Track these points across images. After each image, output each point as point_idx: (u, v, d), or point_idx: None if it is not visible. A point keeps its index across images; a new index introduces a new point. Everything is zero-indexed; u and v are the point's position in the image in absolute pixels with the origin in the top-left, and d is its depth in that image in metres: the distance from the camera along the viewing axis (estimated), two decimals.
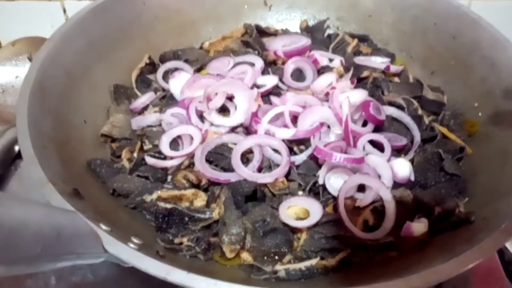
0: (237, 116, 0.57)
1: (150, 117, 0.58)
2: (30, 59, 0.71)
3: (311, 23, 0.78)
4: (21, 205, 0.31)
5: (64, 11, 0.94)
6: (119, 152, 0.57)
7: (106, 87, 0.64)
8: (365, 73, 0.65)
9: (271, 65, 0.67)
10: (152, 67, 0.68)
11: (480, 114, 0.60)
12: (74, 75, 0.58)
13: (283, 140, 0.54)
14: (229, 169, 0.53)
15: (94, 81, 0.62)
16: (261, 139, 0.54)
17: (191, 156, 0.54)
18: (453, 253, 0.42)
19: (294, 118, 0.57)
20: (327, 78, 0.62)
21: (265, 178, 0.51)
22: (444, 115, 0.62)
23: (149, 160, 0.54)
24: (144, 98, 0.63)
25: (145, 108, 0.62)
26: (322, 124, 0.55)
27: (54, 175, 0.44)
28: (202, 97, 0.58)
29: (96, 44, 0.63)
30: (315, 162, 0.54)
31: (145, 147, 0.58)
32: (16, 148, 0.65)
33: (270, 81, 0.62)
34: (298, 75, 0.65)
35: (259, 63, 0.64)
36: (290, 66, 0.64)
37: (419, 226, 0.49)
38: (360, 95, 0.58)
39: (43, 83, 0.53)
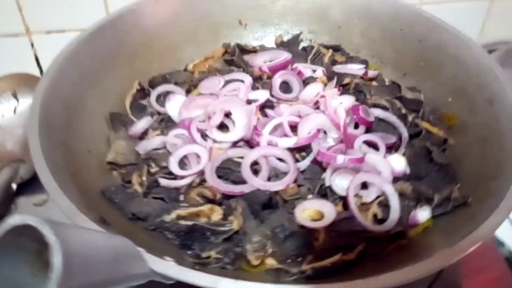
0: (237, 131, 0.60)
1: (155, 141, 0.60)
2: (14, 95, 0.70)
3: (285, 38, 0.82)
4: (86, 232, 0.32)
5: (32, 45, 0.93)
6: (128, 177, 0.58)
7: (103, 116, 0.64)
8: (346, 80, 0.69)
9: (258, 80, 0.70)
10: (142, 92, 0.69)
11: (455, 107, 0.67)
12: (72, 106, 0.59)
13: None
14: (240, 181, 0.55)
15: (90, 111, 0.62)
16: (266, 150, 0.57)
17: (201, 173, 0.56)
18: (457, 235, 0.47)
19: (290, 128, 0.60)
20: (315, 88, 0.66)
21: (277, 186, 0.54)
22: (423, 111, 0.67)
23: (163, 181, 0.55)
24: (142, 123, 0.64)
25: (144, 132, 0.63)
26: (319, 130, 0.59)
27: (79, 205, 0.45)
28: (201, 117, 0.61)
29: (87, 75, 0.63)
30: (319, 166, 0.57)
31: (152, 170, 0.59)
32: (14, 186, 0.64)
33: (262, 95, 0.65)
34: (285, 87, 0.69)
35: (248, 79, 0.67)
36: (277, 80, 0.68)
37: (423, 214, 0.54)
38: (348, 100, 0.63)
39: (47, 118, 0.53)
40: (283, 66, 0.71)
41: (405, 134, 0.62)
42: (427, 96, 0.70)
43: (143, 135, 0.64)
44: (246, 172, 0.54)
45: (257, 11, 0.81)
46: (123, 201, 0.54)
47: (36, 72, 0.97)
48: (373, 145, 0.60)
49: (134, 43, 0.72)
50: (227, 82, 0.67)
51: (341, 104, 0.58)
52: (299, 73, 0.69)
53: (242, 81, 0.67)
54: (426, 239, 0.52)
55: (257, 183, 0.54)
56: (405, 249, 0.52)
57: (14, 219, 0.30)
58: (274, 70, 0.70)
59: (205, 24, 0.79)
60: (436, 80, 0.71)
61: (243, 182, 0.55)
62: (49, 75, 0.58)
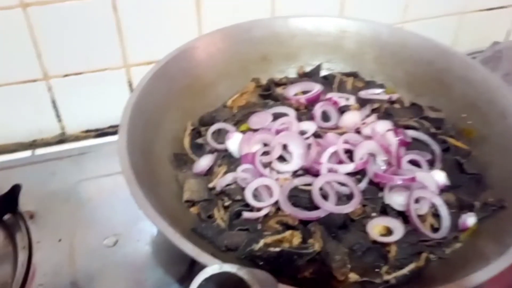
0: (296, 161, 0.67)
1: (228, 177, 0.65)
2: None
3: (306, 68, 0.90)
4: (258, 272, 0.38)
5: (49, 88, 0.96)
6: (206, 213, 0.64)
7: (167, 158, 0.70)
8: (376, 105, 0.78)
9: (296, 111, 0.78)
10: (196, 132, 0.75)
11: (470, 122, 0.77)
12: (145, 153, 0.64)
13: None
14: (311, 207, 0.62)
15: (158, 155, 0.68)
16: (331, 177, 0.64)
17: (274, 203, 0.63)
18: (503, 234, 0.57)
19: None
20: (353, 116, 0.74)
21: (348, 208, 0.61)
22: (446, 127, 0.77)
23: (246, 214, 0.61)
24: (206, 161, 0.70)
25: (210, 169, 0.69)
26: (371, 155, 0.67)
27: (194, 244, 0.50)
28: (261, 151, 0.67)
29: (151, 121, 0.69)
30: (375, 186, 0.65)
31: (225, 204, 0.64)
32: None
33: (310, 126, 0.72)
34: (323, 116, 0.77)
35: (292, 112, 0.75)
36: (318, 111, 0.75)
37: (470, 219, 0.63)
38: (386, 124, 0.72)
39: (135, 170, 0.58)
40: (318, 97, 0.79)
41: (437, 150, 0.71)
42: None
43: (208, 172, 0.69)
44: (317, 198, 0.62)
45: (278, 46, 0.89)
46: (214, 235, 0.60)
47: (52, 115, 0.99)
48: (415, 163, 0.69)
49: (180, 86, 0.77)
50: (275, 116, 0.74)
51: (390, 130, 0.67)
52: (335, 103, 0.77)
53: (287, 114, 0.74)
54: (476, 240, 0.62)
55: (330, 207, 0.61)
56: (460, 251, 0.61)
57: (213, 269, 0.36)
58: (311, 101, 0.78)
59: (235, 61, 0.86)
60: (448, 98, 0.81)
61: (315, 207, 0.62)
62: (124, 127, 0.63)
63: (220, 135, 0.73)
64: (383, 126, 0.71)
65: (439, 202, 0.63)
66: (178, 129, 0.75)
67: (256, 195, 0.64)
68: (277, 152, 0.67)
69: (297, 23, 0.89)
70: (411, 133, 0.73)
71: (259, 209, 0.63)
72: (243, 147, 0.69)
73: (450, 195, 0.65)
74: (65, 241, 0.72)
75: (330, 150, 0.67)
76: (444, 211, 0.63)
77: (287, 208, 0.61)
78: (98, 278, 0.67)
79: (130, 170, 0.57)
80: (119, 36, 0.92)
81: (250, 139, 0.69)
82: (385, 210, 0.64)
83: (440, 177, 0.67)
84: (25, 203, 0.76)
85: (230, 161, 0.69)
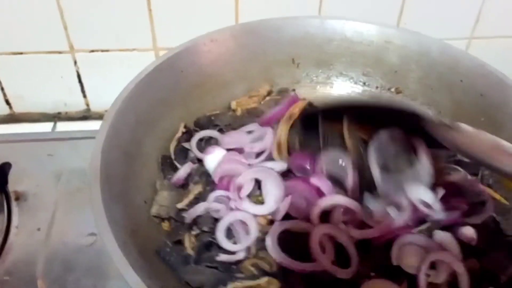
0: (269, 205, 0.58)
1: (199, 208, 0.57)
2: None
3: (337, 80, 0.80)
4: None
5: (75, 62, 0.93)
6: (173, 236, 0.57)
7: (155, 160, 0.64)
8: None
9: None
10: (189, 135, 0.68)
11: None
12: (130, 153, 0.58)
13: None
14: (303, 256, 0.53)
15: (145, 156, 0.62)
16: (328, 229, 0.55)
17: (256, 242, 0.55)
18: None
19: None
20: None
21: (344, 273, 0.51)
22: (482, 174, 0.65)
23: (222, 257, 0.53)
24: (183, 171, 0.63)
25: (186, 183, 0.62)
26: None
27: (144, 275, 0.44)
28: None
29: (144, 118, 0.63)
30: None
31: (193, 232, 0.57)
32: None
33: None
34: None
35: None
36: None
37: None
38: None
39: (107, 168, 0.52)
40: None
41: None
42: None
43: (183, 185, 0.62)
44: (315, 249, 0.52)
45: (311, 50, 0.79)
46: (176, 263, 0.53)
47: (77, 89, 0.97)
48: None
49: (188, 83, 0.71)
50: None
51: None
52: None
53: None
54: None
55: (326, 264, 0.51)
56: None
57: None
58: None
59: (257, 62, 0.78)
60: None
61: (305, 257, 0.53)
62: (108, 121, 0.57)
63: (209, 144, 0.66)
64: None
65: (460, 269, 0.52)
66: (176, 130, 0.68)
67: (230, 230, 0.56)
68: (248, 188, 0.58)
69: (336, 26, 0.78)
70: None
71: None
72: (219, 169, 0.60)
73: (473, 261, 0.54)
74: (43, 231, 0.68)
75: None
76: (464, 282, 0.52)
77: (276, 254, 0.53)
78: (65, 278, 0.62)
79: (97, 171, 0.51)
80: (149, 17, 0.87)
81: (229, 162, 0.61)
82: (389, 270, 0.54)
83: (468, 232, 0.56)
84: (17, 182, 0.73)
85: (207, 180, 0.62)
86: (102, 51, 0.91)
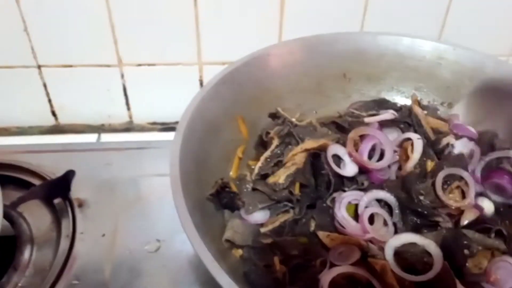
0: None
1: None
2: None
3: (388, 94, 0.80)
4: None
5: (122, 76, 0.94)
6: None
7: (219, 174, 0.64)
8: None
9: None
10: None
11: None
12: (199, 163, 0.59)
13: None
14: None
15: (212, 166, 0.63)
16: None
17: None
18: None
19: None
20: None
21: None
22: None
23: None
24: (261, 215, 0.61)
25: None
26: None
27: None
28: None
29: (209, 129, 0.64)
30: None
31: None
32: None
33: None
34: None
35: None
36: None
37: None
38: None
39: (184, 180, 0.53)
40: None
41: None
42: None
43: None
44: None
45: (362, 65, 0.80)
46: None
47: (122, 102, 0.98)
48: None
49: (248, 95, 0.72)
50: None
51: None
52: None
53: None
54: None
55: None
56: None
57: None
58: None
59: (310, 76, 0.79)
60: None
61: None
62: (181, 131, 0.58)
63: None
64: None
65: None
66: (238, 140, 0.69)
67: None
68: None
69: (388, 42, 0.79)
70: None
71: None
72: None
73: None
74: (108, 237, 0.69)
75: None
76: None
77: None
78: (133, 284, 0.63)
79: (178, 181, 0.52)
80: (196, 32, 0.89)
81: None
82: None
83: None
84: (77, 190, 0.75)
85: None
86: (149, 65, 0.93)
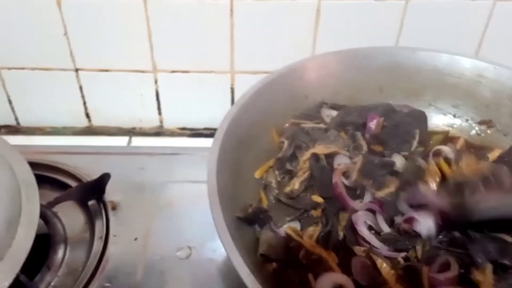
0: None
1: None
2: None
3: (426, 111, 0.79)
4: None
5: (156, 81, 0.96)
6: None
7: (251, 184, 0.65)
8: None
9: None
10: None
11: None
12: (234, 173, 0.59)
13: None
14: None
15: (245, 176, 0.63)
16: None
17: None
18: None
19: None
20: None
21: None
22: None
23: None
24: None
25: None
26: None
27: None
28: None
29: (243, 139, 0.64)
30: None
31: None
32: None
33: None
34: None
35: None
36: None
37: None
38: None
39: (220, 189, 0.53)
40: None
41: None
42: None
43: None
44: None
45: (398, 79, 0.79)
46: None
47: (153, 106, 0.99)
48: None
49: (282, 106, 0.72)
50: None
51: None
52: None
53: None
54: None
55: None
56: None
57: None
58: None
59: (345, 89, 0.78)
60: None
61: None
62: (219, 140, 0.58)
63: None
64: None
65: None
66: (272, 151, 0.69)
67: None
68: None
69: (426, 57, 0.78)
70: None
71: None
72: None
73: None
74: (140, 241, 0.69)
75: None
76: None
77: None
78: None
79: (215, 191, 0.52)
80: (230, 41, 0.89)
81: None
82: None
83: None
84: (110, 193, 0.76)
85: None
86: (182, 72, 0.94)
